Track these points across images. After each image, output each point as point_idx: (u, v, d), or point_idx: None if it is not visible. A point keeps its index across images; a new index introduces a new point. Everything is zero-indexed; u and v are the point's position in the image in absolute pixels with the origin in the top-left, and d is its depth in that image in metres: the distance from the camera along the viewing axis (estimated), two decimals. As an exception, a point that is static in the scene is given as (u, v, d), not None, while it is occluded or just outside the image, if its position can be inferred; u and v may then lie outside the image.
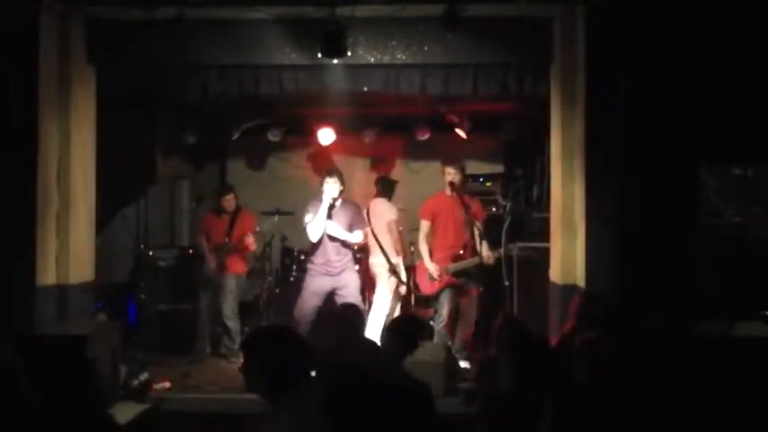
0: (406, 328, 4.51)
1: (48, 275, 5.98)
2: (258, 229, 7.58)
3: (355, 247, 6.89)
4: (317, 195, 6.71)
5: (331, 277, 6.63)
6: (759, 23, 5.37)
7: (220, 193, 7.41)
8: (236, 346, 6.96)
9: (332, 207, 6.56)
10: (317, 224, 6.55)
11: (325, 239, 6.60)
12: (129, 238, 7.96)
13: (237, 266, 7.29)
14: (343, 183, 6.61)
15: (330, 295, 6.66)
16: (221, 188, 7.59)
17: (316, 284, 6.65)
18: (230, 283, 7.14)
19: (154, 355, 6.88)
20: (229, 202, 7.26)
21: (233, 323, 7.05)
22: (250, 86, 6.38)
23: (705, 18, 5.36)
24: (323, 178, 6.61)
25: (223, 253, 7.11)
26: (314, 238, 6.61)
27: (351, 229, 6.64)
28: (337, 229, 6.57)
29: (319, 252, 6.64)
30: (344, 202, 6.70)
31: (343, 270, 6.65)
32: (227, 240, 7.13)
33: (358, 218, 6.76)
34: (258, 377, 2.87)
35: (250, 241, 7.18)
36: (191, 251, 7.90)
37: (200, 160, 9.65)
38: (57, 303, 6.04)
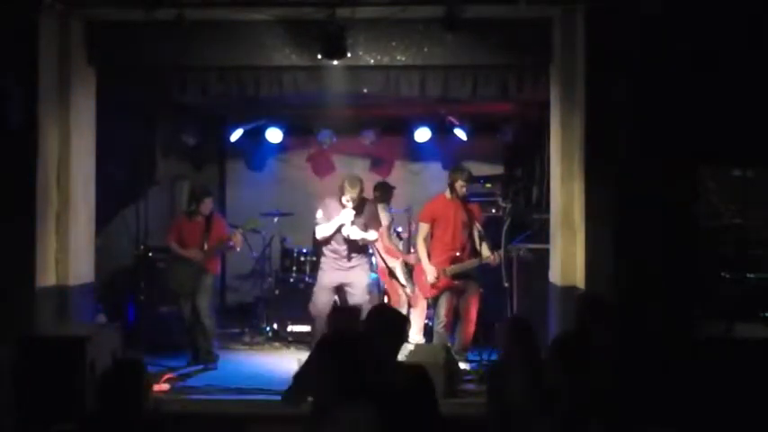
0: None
1: (47, 276, 5.98)
2: (242, 230, 7.44)
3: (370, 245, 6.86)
4: (331, 193, 6.72)
5: (341, 272, 6.61)
6: (759, 23, 5.38)
7: (199, 196, 7.21)
8: (214, 349, 6.98)
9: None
10: (326, 230, 6.54)
11: (338, 233, 6.56)
12: (128, 239, 7.95)
13: (215, 266, 7.28)
14: (362, 190, 6.54)
15: (340, 291, 6.67)
16: (200, 191, 7.35)
17: (326, 279, 6.67)
18: (208, 283, 7.11)
19: (153, 356, 6.87)
20: (207, 205, 7.16)
21: (209, 321, 7.02)
22: (250, 87, 6.39)
23: (705, 18, 5.36)
24: (342, 191, 6.48)
25: (207, 257, 7.06)
26: (319, 237, 6.64)
27: (366, 228, 6.60)
28: (354, 231, 6.50)
29: (331, 244, 6.63)
30: (362, 201, 6.64)
31: (354, 267, 6.63)
32: (205, 244, 7.09)
33: (374, 217, 6.74)
34: (327, 380, 2.83)
35: (238, 240, 7.17)
36: (150, 254, 7.77)
37: (200, 161, 9.65)
38: (56, 304, 6.04)
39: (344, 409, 2.77)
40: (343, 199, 6.48)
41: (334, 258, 6.64)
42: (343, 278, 6.63)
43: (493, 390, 4.01)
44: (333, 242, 6.62)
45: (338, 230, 6.53)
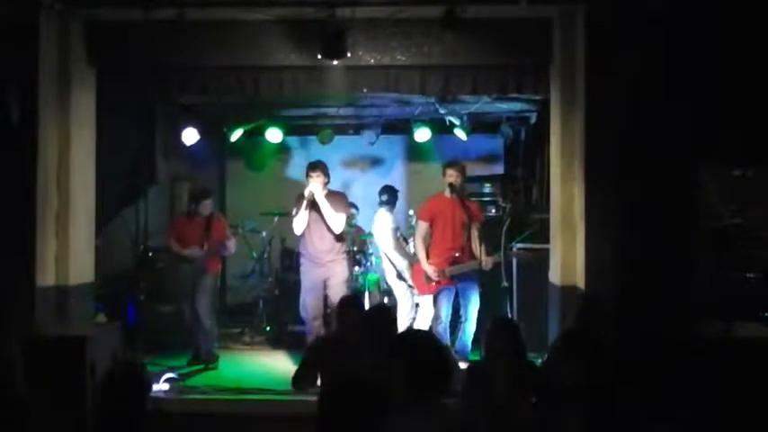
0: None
1: (47, 276, 5.97)
2: (241, 230, 7.46)
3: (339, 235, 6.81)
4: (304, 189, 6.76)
5: (319, 268, 6.66)
6: (760, 24, 5.37)
7: (199, 196, 7.24)
8: (214, 349, 6.99)
9: (313, 203, 6.58)
10: (299, 217, 6.62)
11: (309, 228, 6.65)
12: (128, 239, 7.95)
13: (214, 266, 7.28)
14: (327, 175, 6.63)
15: (323, 287, 6.69)
16: (200, 191, 7.38)
17: (308, 279, 6.72)
18: (207, 283, 7.10)
19: (153, 355, 6.87)
20: (206, 206, 7.18)
21: (209, 321, 7.03)
22: (249, 88, 6.38)
23: (705, 18, 5.36)
24: (306, 172, 6.64)
25: (207, 255, 7.07)
26: (298, 230, 6.70)
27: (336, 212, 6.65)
28: (318, 192, 6.53)
29: (305, 241, 6.72)
30: (328, 193, 6.68)
31: (331, 261, 6.68)
32: (205, 245, 7.10)
33: (341, 205, 6.74)
34: (400, 380, 2.81)
35: (231, 244, 7.23)
36: (150, 254, 7.79)
37: (200, 161, 9.65)
38: (56, 304, 6.04)
39: (417, 409, 2.74)
40: (309, 180, 6.57)
41: (311, 256, 6.69)
42: (324, 274, 6.66)
43: (475, 386, 4.01)
44: (305, 237, 6.68)
45: (310, 208, 6.56)
